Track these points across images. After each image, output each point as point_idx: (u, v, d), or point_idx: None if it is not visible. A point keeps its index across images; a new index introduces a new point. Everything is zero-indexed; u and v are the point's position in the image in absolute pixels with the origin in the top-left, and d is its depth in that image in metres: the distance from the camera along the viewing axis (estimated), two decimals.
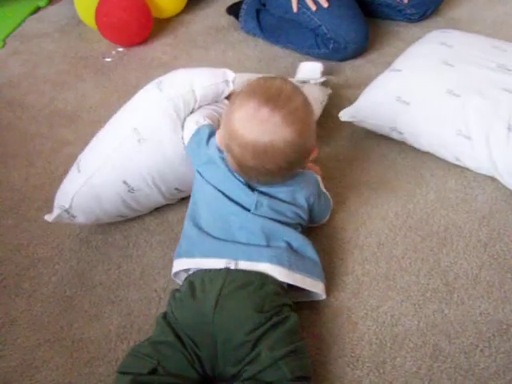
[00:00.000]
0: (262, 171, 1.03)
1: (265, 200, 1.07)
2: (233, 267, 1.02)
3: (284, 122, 0.98)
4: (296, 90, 1.03)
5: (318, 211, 1.20)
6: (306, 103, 1.03)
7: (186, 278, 1.07)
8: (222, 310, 0.96)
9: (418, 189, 1.34)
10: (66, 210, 1.23)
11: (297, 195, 1.11)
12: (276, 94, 1.00)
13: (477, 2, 1.98)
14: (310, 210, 1.16)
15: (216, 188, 1.10)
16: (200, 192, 1.14)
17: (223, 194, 1.09)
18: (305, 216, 1.14)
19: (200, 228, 1.09)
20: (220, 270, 1.02)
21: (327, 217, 1.26)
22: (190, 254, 1.08)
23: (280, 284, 1.03)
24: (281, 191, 1.09)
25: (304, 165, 1.12)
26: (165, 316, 1.02)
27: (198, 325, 0.97)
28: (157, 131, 1.22)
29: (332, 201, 1.26)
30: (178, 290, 1.05)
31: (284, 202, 1.09)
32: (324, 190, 1.22)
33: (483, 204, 1.29)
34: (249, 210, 1.07)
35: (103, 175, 1.22)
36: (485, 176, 1.34)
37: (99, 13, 1.93)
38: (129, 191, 1.24)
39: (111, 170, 1.22)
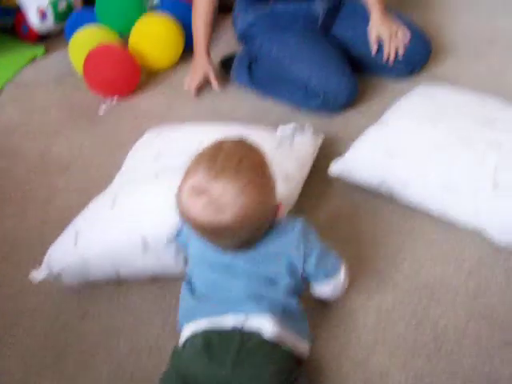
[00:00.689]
0: (224, 243, 1.02)
1: (240, 261, 1.05)
2: (240, 325, 1.00)
3: (232, 200, 0.94)
4: (249, 156, 0.99)
5: (316, 265, 1.09)
6: (258, 172, 0.99)
7: (192, 335, 1.03)
8: (241, 372, 0.96)
9: (407, 242, 1.35)
10: (55, 275, 1.25)
11: (278, 245, 1.06)
12: (222, 166, 0.95)
13: (461, 58, 2.03)
14: (304, 263, 1.07)
15: (199, 255, 1.09)
16: (190, 259, 1.14)
17: (205, 260, 1.07)
18: (298, 268, 1.07)
19: (194, 292, 1.08)
20: (230, 329, 1.00)
21: (339, 278, 1.15)
22: (191, 318, 1.05)
23: (281, 344, 1.02)
24: (259, 246, 1.05)
25: (272, 223, 1.06)
26: (169, 374, 1.02)
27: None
28: (163, 243, 1.22)
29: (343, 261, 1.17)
30: (183, 347, 1.03)
31: (265, 256, 1.06)
32: (319, 242, 1.12)
33: (471, 257, 1.30)
34: (229, 272, 1.05)
35: (99, 261, 1.25)
36: (472, 229, 1.36)
37: (86, 70, 1.98)
38: (119, 277, 1.28)
39: (108, 260, 1.25)
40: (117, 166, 1.55)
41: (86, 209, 1.37)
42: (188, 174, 0.99)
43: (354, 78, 1.81)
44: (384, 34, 1.85)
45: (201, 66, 1.99)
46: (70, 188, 1.63)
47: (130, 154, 1.59)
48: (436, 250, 1.33)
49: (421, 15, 2.26)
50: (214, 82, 1.98)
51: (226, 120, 1.79)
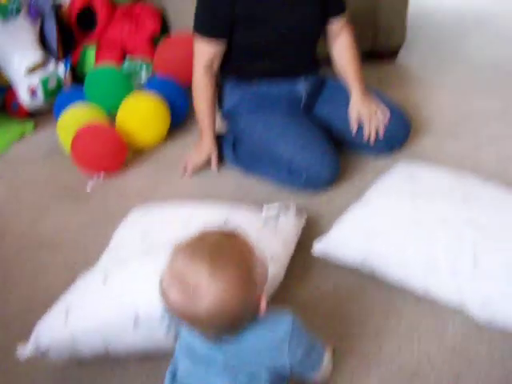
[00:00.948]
0: (202, 330, 1.00)
1: (221, 354, 1.01)
2: None
3: (206, 288, 0.93)
4: (229, 247, 0.98)
5: (301, 362, 1.06)
6: (237, 263, 0.96)
7: None
8: None
9: (390, 321, 1.36)
10: (43, 351, 1.24)
11: (262, 342, 1.02)
12: (200, 255, 0.95)
13: (438, 135, 2.10)
14: (290, 361, 1.03)
15: (185, 343, 1.08)
16: (177, 345, 1.12)
17: (189, 350, 1.06)
18: (282, 366, 1.03)
19: (174, 380, 1.07)
20: None
21: (319, 371, 1.13)
22: None
23: None
24: (242, 340, 1.02)
25: (254, 315, 1.02)
26: None
27: None
28: (157, 320, 1.21)
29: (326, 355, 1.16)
30: None
31: (248, 352, 1.02)
32: (305, 338, 1.08)
33: (454, 334, 1.31)
34: (209, 365, 1.03)
35: (89, 337, 1.24)
36: (454, 306, 1.37)
37: (74, 150, 2.02)
38: (107, 353, 1.28)
39: (98, 336, 1.24)
40: (104, 244, 1.57)
41: (75, 285, 1.37)
42: (168, 261, 1.00)
43: (336, 157, 1.85)
44: (364, 114, 1.92)
45: (208, 148, 2.00)
46: (57, 265, 1.64)
47: (117, 231, 1.61)
48: (419, 328, 1.34)
49: (398, 93, 2.36)
50: (215, 165, 2.02)
51: (211, 197, 1.82)
